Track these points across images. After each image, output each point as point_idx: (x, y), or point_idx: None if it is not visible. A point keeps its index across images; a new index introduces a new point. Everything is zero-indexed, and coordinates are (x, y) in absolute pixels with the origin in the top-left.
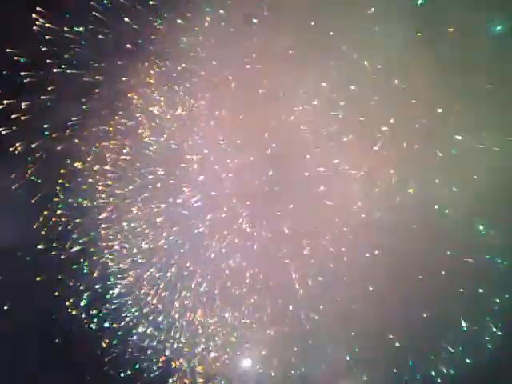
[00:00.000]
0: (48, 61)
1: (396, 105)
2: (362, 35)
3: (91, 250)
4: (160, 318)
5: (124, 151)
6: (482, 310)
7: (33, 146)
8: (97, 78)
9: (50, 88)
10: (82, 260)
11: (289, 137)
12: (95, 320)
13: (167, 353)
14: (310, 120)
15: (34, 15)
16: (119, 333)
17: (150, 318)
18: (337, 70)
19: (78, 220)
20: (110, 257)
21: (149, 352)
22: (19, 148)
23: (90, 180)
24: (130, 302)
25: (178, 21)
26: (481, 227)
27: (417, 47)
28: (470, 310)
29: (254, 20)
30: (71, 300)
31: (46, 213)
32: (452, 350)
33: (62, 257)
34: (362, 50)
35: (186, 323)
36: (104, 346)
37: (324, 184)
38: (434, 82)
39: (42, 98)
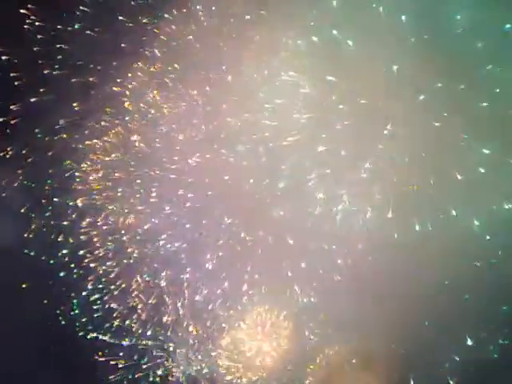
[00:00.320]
0: (40, 61)
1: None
2: (365, 33)
3: (80, 254)
4: (153, 329)
5: (114, 155)
6: (489, 317)
7: (23, 151)
8: (90, 79)
9: (41, 90)
10: (71, 266)
11: (288, 139)
12: (87, 328)
13: (162, 363)
14: (311, 122)
15: (23, 11)
16: (111, 341)
17: (143, 328)
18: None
19: (65, 222)
20: (100, 263)
21: (142, 363)
22: (10, 152)
23: (79, 181)
24: (121, 310)
25: (166, 15)
26: (488, 236)
27: (424, 47)
28: (476, 318)
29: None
30: (62, 308)
31: (34, 215)
32: (457, 359)
33: (52, 262)
34: (364, 49)
35: (180, 334)
36: (96, 357)
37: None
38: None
39: (32, 100)
